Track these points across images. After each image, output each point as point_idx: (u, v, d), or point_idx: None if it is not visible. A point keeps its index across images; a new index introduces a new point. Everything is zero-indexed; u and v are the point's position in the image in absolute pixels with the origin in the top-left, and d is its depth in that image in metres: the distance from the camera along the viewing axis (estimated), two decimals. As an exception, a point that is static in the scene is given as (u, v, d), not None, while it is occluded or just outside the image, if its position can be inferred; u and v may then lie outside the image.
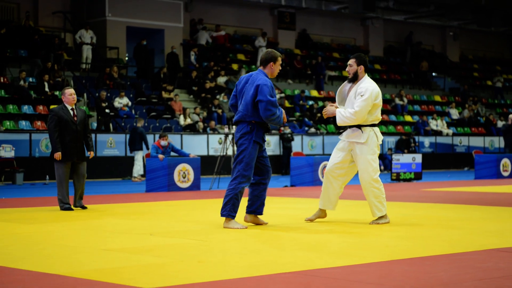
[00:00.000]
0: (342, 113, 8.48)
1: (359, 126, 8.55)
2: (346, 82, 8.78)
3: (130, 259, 6.12)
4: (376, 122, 8.60)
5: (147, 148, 20.06)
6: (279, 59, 8.40)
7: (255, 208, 8.44)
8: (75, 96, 10.91)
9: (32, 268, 5.63)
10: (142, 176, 20.47)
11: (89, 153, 11.08)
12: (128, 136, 22.18)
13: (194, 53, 28.53)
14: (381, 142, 8.66)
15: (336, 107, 8.67)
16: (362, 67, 8.52)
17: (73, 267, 5.69)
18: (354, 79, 8.57)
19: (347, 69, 8.64)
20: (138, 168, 20.44)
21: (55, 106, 11.14)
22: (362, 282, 5.04)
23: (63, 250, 6.68)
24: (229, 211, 8.21)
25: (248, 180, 8.23)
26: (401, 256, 6.19)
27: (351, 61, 8.57)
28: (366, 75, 8.63)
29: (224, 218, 8.32)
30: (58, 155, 10.67)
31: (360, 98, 8.38)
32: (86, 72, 26.13)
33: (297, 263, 5.83)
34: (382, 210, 8.54)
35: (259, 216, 8.55)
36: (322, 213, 8.95)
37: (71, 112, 10.85)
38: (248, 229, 8.24)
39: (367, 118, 8.51)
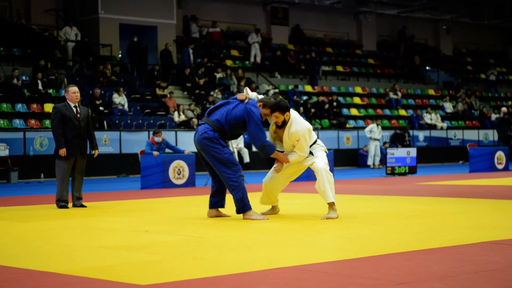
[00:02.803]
0: (294, 156, 8.65)
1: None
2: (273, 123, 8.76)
3: (125, 256, 6.12)
4: (314, 140, 8.80)
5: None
6: (268, 110, 8.57)
7: (217, 202, 8.93)
8: (78, 94, 10.94)
9: (27, 266, 5.62)
10: None
11: (93, 151, 11.12)
12: (122, 133, 22.19)
13: (191, 50, 28.49)
14: (326, 150, 8.95)
15: (287, 159, 8.71)
16: (287, 113, 8.53)
17: (68, 265, 5.68)
18: (283, 125, 8.60)
19: (274, 120, 8.58)
20: None
21: (58, 104, 11.13)
22: (355, 276, 5.05)
23: (58, 248, 6.68)
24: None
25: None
26: (395, 250, 6.20)
27: (277, 114, 8.46)
28: (291, 114, 8.59)
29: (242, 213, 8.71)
30: (63, 152, 10.68)
31: (298, 144, 8.53)
32: (79, 70, 26.06)
33: (291, 258, 5.83)
34: (334, 196, 8.65)
35: (220, 209, 9.02)
36: (274, 210, 9.28)
37: (74, 110, 10.87)
38: (241, 226, 8.25)
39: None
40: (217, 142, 8.56)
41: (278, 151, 8.69)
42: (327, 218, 8.53)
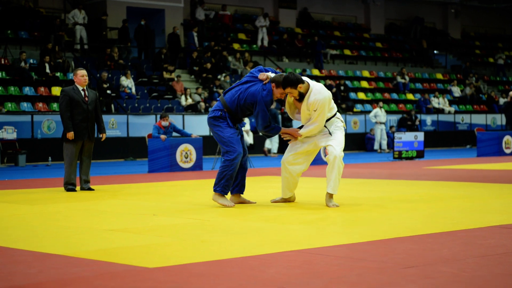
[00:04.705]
0: (306, 129, 8.35)
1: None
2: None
3: (133, 239, 6.13)
4: (334, 112, 8.45)
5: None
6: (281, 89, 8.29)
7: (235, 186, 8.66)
8: (86, 77, 10.93)
9: (34, 249, 5.64)
10: (275, 153, 23.45)
11: (101, 135, 11.13)
12: (129, 117, 22.22)
13: (195, 33, 28.42)
14: (345, 126, 8.58)
15: (297, 131, 8.43)
16: (300, 85, 8.21)
17: (76, 248, 5.70)
18: (302, 98, 8.29)
19: (289, 96, 8.31)
20: (275, 146, 23.07)
21: (66, 87, 11.13)
22: (364, 259, 5.05)
23: (65, 231, 6.69)
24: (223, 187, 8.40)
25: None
26: (403, 233, 6.20)
27: (289, 89, 8.18)
28: (309, 84, 8.30)
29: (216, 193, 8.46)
30: (71, 135, 10.70)
31: (314, 114, 8.22)
32: (87, 53, 26.07)
33: (300, 242, 5.83)
34: (337, 188, 8.32)
35: (242, 195, 8.76)
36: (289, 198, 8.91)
37: (82, 93, 10.87)
38: (250, 209, 8.25)
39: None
40: (222, 121, 8.43)
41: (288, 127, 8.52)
42: (334, 206, 8.25)
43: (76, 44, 25.90)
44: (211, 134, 8.69)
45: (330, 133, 8.38)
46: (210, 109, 8.69)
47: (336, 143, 8.31)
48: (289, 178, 8.61)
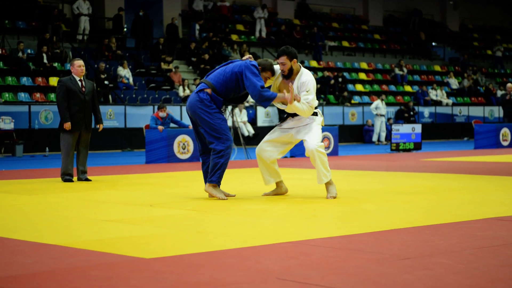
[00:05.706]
0: (301, 104, 8.21)
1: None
2: (279, 76, 8.38)
3: (130, 229, 6.13)
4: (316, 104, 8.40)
5: None
6: (268, 72, 8.26)
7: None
8: (83, 68, 10.93)
9: (31, 239, 5.64)
10: None
11: (98, 125, 11.14)
12: (127, 107, 22.18)
13: (198, 26, 28.38)
14: (323, 124, 8.57)
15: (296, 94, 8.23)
16: (295, 60, 8.21)
17: (73, 238, 5.69)
18: (290, 75, 8.27)
19: (280, 67, 8.22)
20: None
21: (64, 77, 11.11)
22: (361, 251, 5.05)
23: (62, 221, 6.69)
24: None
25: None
26: (400, 225, 6.20)
27: (282, 59, 8.13)
28: (300, 65, 8.33)
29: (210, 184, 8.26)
30: (68, 125, 10.70)
31: (306, 94, 8.17)
32: (84, 44, 26.02)
33: (296, 233, 5.83)
34: (327, 176, 8.23)
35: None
36: (279, 189, 8.74)
37: (79, 83, 10.87)
38: (246, 201, 8.24)
39: None
40: (210, 104, 8.11)
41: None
42: (331, 197, 8.23)
43: (78, 34, 25.85)
44: (195, 119, 8.23)
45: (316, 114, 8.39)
46: (192, 94, 8.28)
47: (312, 136, 8.24)
48: (263, 165, 8.53)
